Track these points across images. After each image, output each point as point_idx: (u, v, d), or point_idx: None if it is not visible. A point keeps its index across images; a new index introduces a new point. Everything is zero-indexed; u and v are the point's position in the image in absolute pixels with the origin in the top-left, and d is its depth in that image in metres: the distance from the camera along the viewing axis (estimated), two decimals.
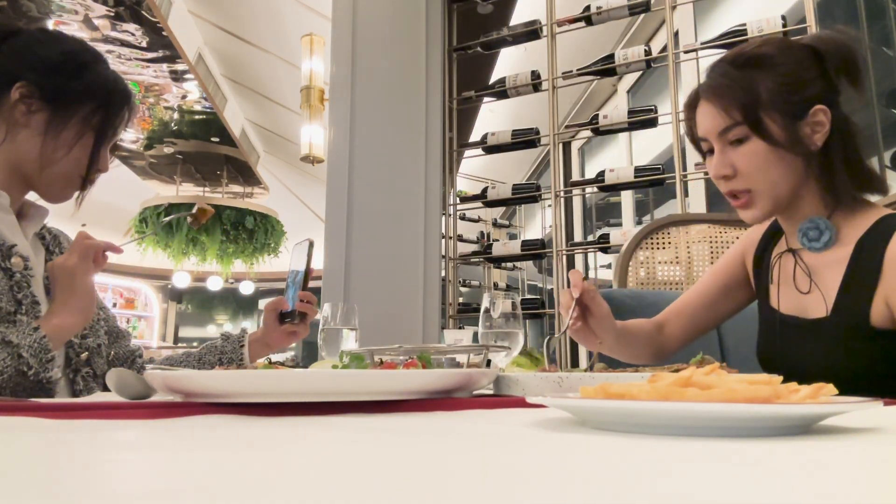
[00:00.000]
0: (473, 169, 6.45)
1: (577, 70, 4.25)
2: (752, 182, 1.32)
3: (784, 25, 3.58)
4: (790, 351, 1.37)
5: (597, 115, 4.22)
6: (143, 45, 8.11)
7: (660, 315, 1.68)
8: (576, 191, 4.66)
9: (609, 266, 5.86)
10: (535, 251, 4.42)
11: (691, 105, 1.39)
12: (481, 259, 4.75)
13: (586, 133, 4.57)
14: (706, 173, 3.58)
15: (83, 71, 1.46)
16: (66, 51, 1.47)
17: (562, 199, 4.36)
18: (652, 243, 2.44)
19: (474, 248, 5.22)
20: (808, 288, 1.34)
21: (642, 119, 4.02)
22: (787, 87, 1.29)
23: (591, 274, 6.50)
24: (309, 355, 13.21)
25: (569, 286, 1.48)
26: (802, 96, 1.29)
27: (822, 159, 1.31)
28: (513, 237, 6.43)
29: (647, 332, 1.65)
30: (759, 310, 1.52)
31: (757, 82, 1.29)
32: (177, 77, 9.14)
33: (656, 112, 4.02)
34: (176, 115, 10.64)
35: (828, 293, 1.31)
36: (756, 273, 1.52)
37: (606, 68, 4.17)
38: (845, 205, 1.33)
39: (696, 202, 4.47)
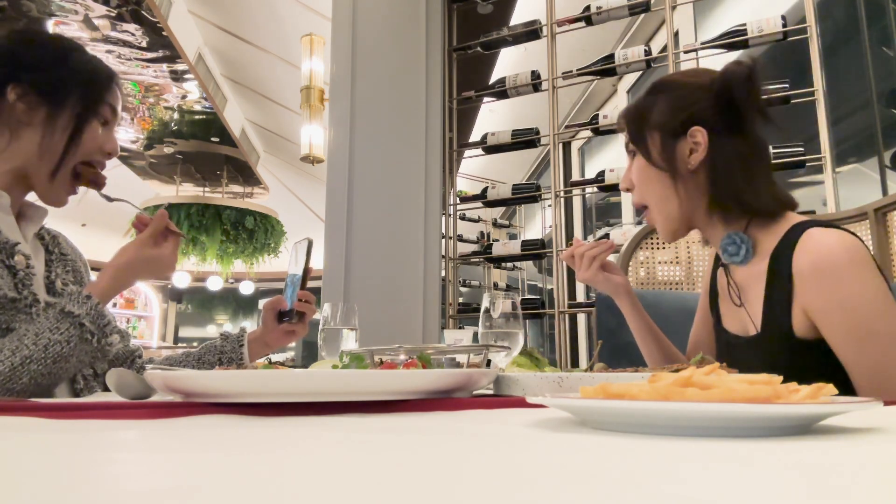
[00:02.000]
0: (473, 169, 6.48)
1: (577, 70, 4.24)
2: (642, 197, 1.40)
3: (784, 25, 3.58)
4: (737, 367, 1.36)
5: (597, 114, 4.20)
6: (143, 45, 8.10)
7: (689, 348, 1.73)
8: (576, 191, 4.63)
9: None
10: (536, 251, 4.40)
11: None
12: (481, 259, 4.74)
13: (586, 133, 4.52)
14: None
15: (66, 59, 1.49)
16: (46, 44, 1.50)
17: (562, 199, 4.33)
18: (652, 243, 2.46)
19: (474, 248, 5.25)
20: (739, 303, 1.38)
21: None
22: (672, 109, 1.35)
23: None
24: (309, 355, 13.19)
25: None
26: (683, 117, 1.34)
27: (707, 177, 1.35)
28: (513, 237, 6.40)
29: (676, 354, 1.67)
30: (713, 327, 1.55)
31: (653, 104, 1.38)
32: (177, 77, 9.13)
33: None
34: (176, 115, 10.63)
35: (754, 309, 1.34)
36: (710, 296, 1.57)
37: (606, 68, 4.16)
38: (759, 217, 1.35)
39: None
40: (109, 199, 1.76)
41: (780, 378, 0.66)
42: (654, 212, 1.39)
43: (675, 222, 1.38)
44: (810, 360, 1.24)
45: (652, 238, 2.48)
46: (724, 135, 1.33)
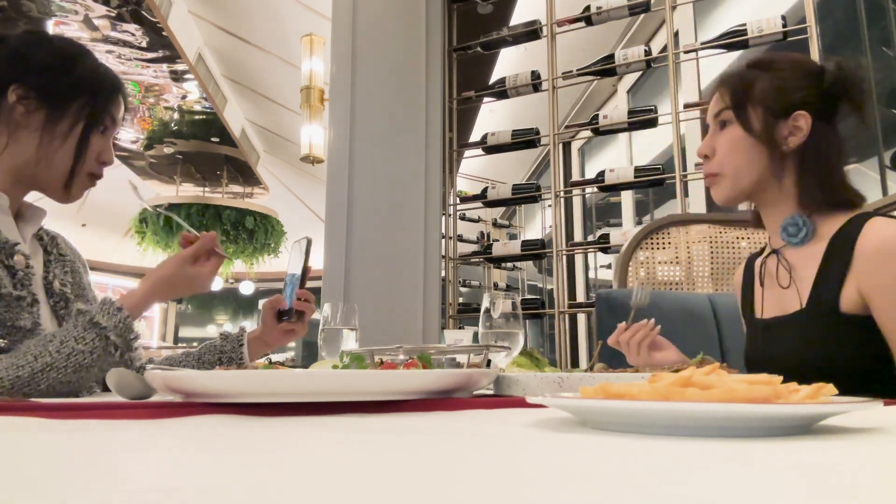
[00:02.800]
0: (473, 169, 6.44)
1: (577, 70, 4.22)
2: (721, 165, 1.41)
3: (784, 25, 3.58)
4: (771, 348, 1.43)
5: (597, 115, 4.19)
6: (143, 45, 8.11)
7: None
8: (576, 191, 4.63)
9: (609, 266, 5.81)
10: (535, 251, 4.38)
11: (711, 91, 1.51)
12: (481, 259, 4.71)
13: (586, 133, 4.54)
14: None
15: (73, 65, 1.49)
16: (54, 48, 1.49)
17: (562, 200, 4.32)
18: (652, 243, 2.44)
19: (474, 248, 5.22)
20: (788, 283, 1.40)
21: (642, 119, 3.99)
22: (777, 88, 1.38)
23: (591, 274, 6.42)
24: (309, 355, 13.18)
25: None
26: (789, 99, 1.37)
27: (796, 162, 1.38)
28: (513, 237, 6.42)
29: None
30: (745, 325, 1.57)
31: (756, 79, 1.40)
32: (177, 77, 9.14)
33: (656, 112, 3.99)
34: (176, 116, 10.64)
35: (804, 286, 1.37)
36: (742, 295, 1.59)
37: (606, 68, 4.15)
38: (830, 207, 1.38)
39: (696, 202, 4.45)
40: (140, 198, 1.76)
41: (780, 378, 0.66)
42: (728, 178, 1.43)
43: (743, 192, 1.44)
44: (851, 334, 1.29)
45: (652, 238, 2.45)
46: (824, 125, 1.38)
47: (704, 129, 1.51)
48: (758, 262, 1.53)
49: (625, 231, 4.07)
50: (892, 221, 1.29)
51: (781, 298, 1.43)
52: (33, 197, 1.56)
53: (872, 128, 3.37)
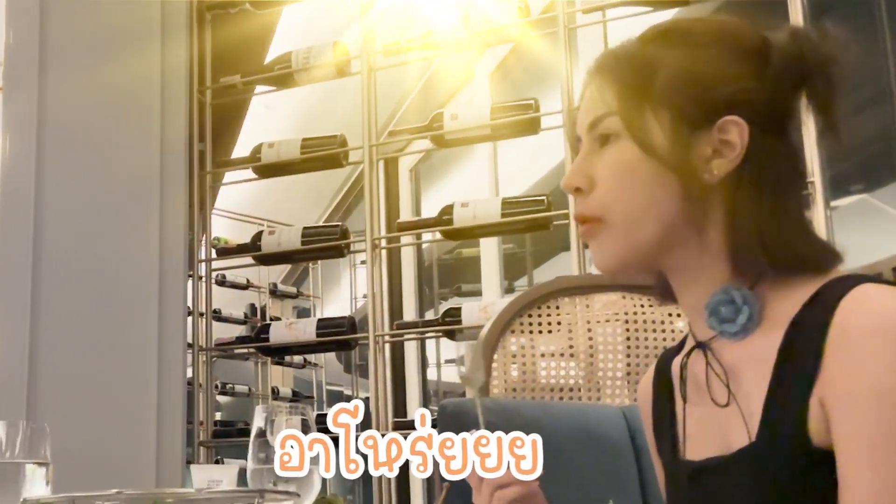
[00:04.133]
0: (240, 203, 5.40)
1: (408, 41, 3.29)
2: (604, 206, 1.08)
3: None
4: None
5: (440, 113, 3.28)
6: None
7: None
8: (406, 238, 3.90)
9: (458, 362, 5.10)
10: (341, 336, 3.52)
11: (581, 98, 1.18)
12: (251, 349, 4.08)
13: (423, 144, 3.72)
14: None
15: None
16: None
17: (382, 253, 3.51)
18: (531, 324, 2.07)
19: (241, 330, 4.74)
20: (727, 399, 1.08)
21: (515, 120, 3.11)
22: (693, 78, 1.05)
23: (432, 373, 5.53)
24: None
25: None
26: (712, 96, 1.03)
27: (723, 200, 1.04)
28: (303, 314, 6.04)
29: None
30: (661, 470, 1.28)
31: (658, 63, 1.07)
32: None
33: (537, 109, 3.08)
34: None
35: (752, 405, 1.04)
36: (656, 421, 1.28)
37: (456, 39, 3.23)
38: (785, 269, 1.05)
39: None
40: None
41: None
42: (618, 229, 1.07)
43: (641, 251, 1.08)
44: (830, 481, 0.97)
45: (531, 315, 2.02)
46: (769, 138, 1.02)
47: (575, 150, 1.16)
48: (676, 363, 1.19)
49: (485, 304, 3.35)
50: (884, 290, 0.96)
51: (718, 425, 1.10)
52: None
53: (849, 141, 2.84)
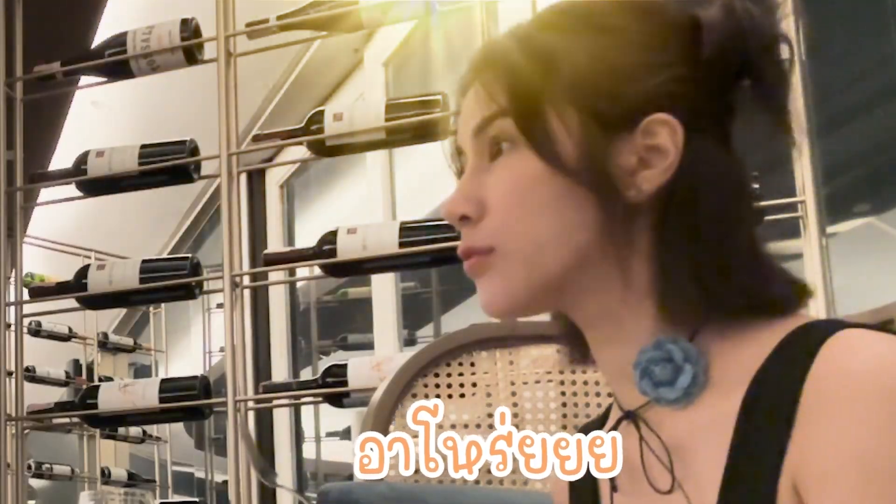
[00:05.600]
0: (59, 228, 4.76)
1: (279, 18, 2.75)
2: (500, 229, 0.93)
3: None
4: None
5: (320, 112, 2.76)
6: None
7: None
8: (276, 275, 3.41)
9: (345, 434, 4.67)
10: (190, 402, 3.03)
11: (462, 93, 0.98)
12: (75, 419, 3.52)
13: (298, 152, 3.44)
14: None
15: None
16: None
17: (245, 293, 2.99)
18: (438, 385, 1.81)
19: (61, 394, 4.53)
20: (670, 485, 0.92)
21: (418, 121, 2.64)
22: (605, 68, 0.89)
23: (309, 450, 5.01)
24: None
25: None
26: (632, 89, 0.88)
27: (650, 223, 0.91)
28: (142, 373, 5.60)
29: None
30: None
31: (557, 50, 0.91)
32: None
33: (446, 107, 2.61)
34: None
35: (703, 492, 0.89)
36: None
37: (335, 14, 2.69)
38: (711, 318, 0.92)
39: None
40: None
41: None
42: (516, 259, 0.91)
43: (544, 289, 0.91)
44: None
45: (439, 374, 1.75)
46: (707, 141, 0.89)
47: (459, 169, 1.00)
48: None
49: (379, 360, 2.92)
50: (874, 337, 0.82)
51: None
52: None
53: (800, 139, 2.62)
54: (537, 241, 0.88)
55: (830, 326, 0.83)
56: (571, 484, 1.05)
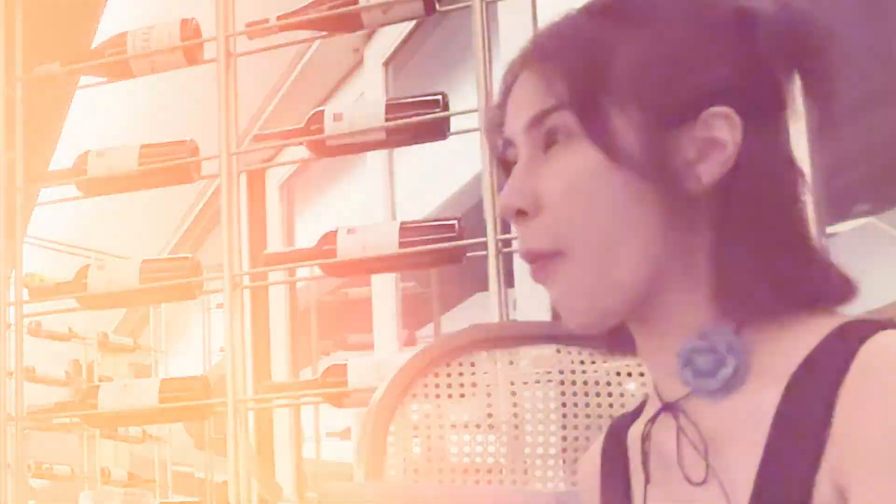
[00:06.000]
0: (59, 228, 4.82)
1: (279, 18, 2.74)
2: (563, 228, 0.91)
3: None
4: None
5: (320, 113, 2.75)
6: None
7: None
8: (276, 275, 3.42)
9: (345, 434, 4.72)
10: (190, 401, 3.03)
11: (506, 90, 0.97)
12: (75, 419, 3.49)
13: (298, 152, 3.38)
14: None
15: None
16: None
17: (245, 293, 3.07)
18: (438, 385, 1.73)
19: (61, 394, 4.34)
20: (703, 476, 0.92)
21: (418, 121, 2.66)
22: (664, 61, 0.89)
23: (310, 450, 5.03)
24: None
25: None
26: (691, 83, 0.88)
27: (717, 213, 0.90)
28: (143, 373, 5.48)
29: None
30: None
31: (615, 42, 0.90)
32: None
33: (446, 107, 2.60)
34: None
35: (738, 481, 0.89)
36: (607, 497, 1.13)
37: (334, 13, 2.69)
38: (768, 305, 0.91)
39: (523, 297, 3.15)
40: None
41: None
42: (589, 264, 0.90)
43: (628, 295, 0.91)
44: None
45: (438, 374, 1.66)
46: (765, 134, 0.89)
47: (501, 159, 0.99)
48: (635, 433, 1.04)
49: (379, 361, 3.04)
50: None
51: (691, 500, 0.97)
52: None
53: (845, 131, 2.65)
54: (606, 241, 0.89)
55: (871, 326, 0.84)
56: (604, 475, 1.06)
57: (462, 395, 1.68)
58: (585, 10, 0.93)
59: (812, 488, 0.81)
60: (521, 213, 0.89)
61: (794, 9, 0.88)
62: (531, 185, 0.89)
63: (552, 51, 0.91)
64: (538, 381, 1.73)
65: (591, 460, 1.10)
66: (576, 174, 0.88)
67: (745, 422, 0.89)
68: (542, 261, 0.89)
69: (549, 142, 0.89)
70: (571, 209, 0.88)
